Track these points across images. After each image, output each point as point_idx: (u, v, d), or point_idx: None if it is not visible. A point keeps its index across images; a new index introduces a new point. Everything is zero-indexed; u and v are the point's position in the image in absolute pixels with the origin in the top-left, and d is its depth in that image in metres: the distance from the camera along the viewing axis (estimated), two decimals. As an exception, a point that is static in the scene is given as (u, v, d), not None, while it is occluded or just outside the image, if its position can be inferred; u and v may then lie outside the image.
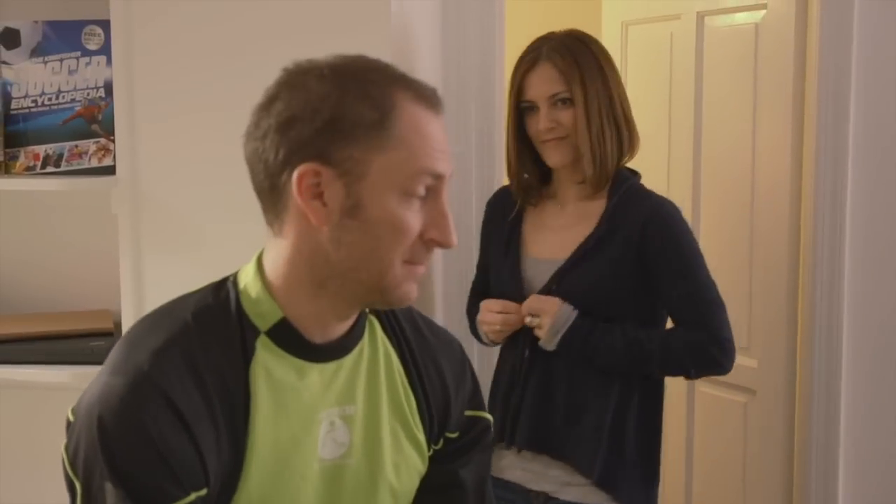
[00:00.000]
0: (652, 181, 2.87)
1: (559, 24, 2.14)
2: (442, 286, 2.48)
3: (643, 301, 2.04)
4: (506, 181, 2.29)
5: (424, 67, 2.34)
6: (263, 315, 1.27)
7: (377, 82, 1.22)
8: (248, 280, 1.29)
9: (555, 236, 2.12)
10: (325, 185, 1.20)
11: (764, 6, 2.54)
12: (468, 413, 1.46)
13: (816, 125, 2.41)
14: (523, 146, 2.12)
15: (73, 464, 1.22)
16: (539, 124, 2.04)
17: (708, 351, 2.02)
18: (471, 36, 2.44)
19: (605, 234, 2.04)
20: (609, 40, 3.03)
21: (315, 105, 1.20)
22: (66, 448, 1.24)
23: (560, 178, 2.13)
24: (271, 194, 1.23)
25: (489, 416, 1.51)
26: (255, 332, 1.26)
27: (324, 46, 2.09)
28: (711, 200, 2.72)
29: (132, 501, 1.16)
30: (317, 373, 1.28)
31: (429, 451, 1.41)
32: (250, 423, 1.23)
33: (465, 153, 2.46)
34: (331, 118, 1.19)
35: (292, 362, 1.27)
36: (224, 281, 1.32)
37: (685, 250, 2.03)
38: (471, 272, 2.36)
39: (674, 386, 2.84)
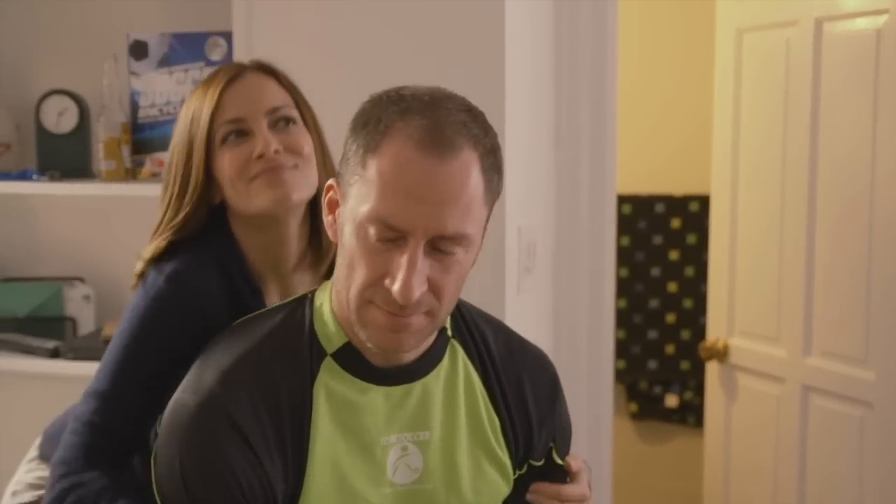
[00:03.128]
0: (765, 195, 2.84)
1: (673, 31, 2.10)
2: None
3: None
4: (620, 188, 2.25)
5: (538, 71, 2.36)
6: (330, 338, 1.29)
7: (394, 111, 1.20)
8: (323, 299, 1.32)
9: None
10: (338, 201, 1.26)
11: (886, 11, 2.48)
12: (551, 445, 1.43)
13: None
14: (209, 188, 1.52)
15: (158, 476, 1.28)
16: (256, 147, 1.45)
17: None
18: (583, 42, 2.44)
19: None
20: (722, 48, 3.00)
21: (352, 124, 1.25)
22: (153, 455, 1.30)
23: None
24: None
25: (561, 463, 1.43)
26: (322, 355, 1.29)
27: (440, 51, 2.14)
28: (828, 213, 2.66)
29: None
30: (382, 396, 1.29)
31: (514, 474, 1.39)
32: (310, 443, 1.25)
33: (576, 159, 2.46)
34: (348, 138, 1.24)
35: (355, 384, 1.28)
36: (304, 297, 1.35)
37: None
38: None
39: (788, 396, 2.79)
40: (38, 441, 1.64)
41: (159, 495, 1.26)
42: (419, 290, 1.18)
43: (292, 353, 1.28)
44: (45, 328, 2.46)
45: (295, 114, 1.50)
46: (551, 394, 1.43)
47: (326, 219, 1.28)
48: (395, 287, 1.17)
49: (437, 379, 1.32)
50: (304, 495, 1.26)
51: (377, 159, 1.18)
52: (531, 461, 1.41)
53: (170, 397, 1.31)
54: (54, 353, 2.38)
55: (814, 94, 2.67)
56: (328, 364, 1.28)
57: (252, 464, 1.22)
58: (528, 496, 1.42)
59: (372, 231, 1.18)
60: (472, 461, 1.34)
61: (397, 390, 1.30)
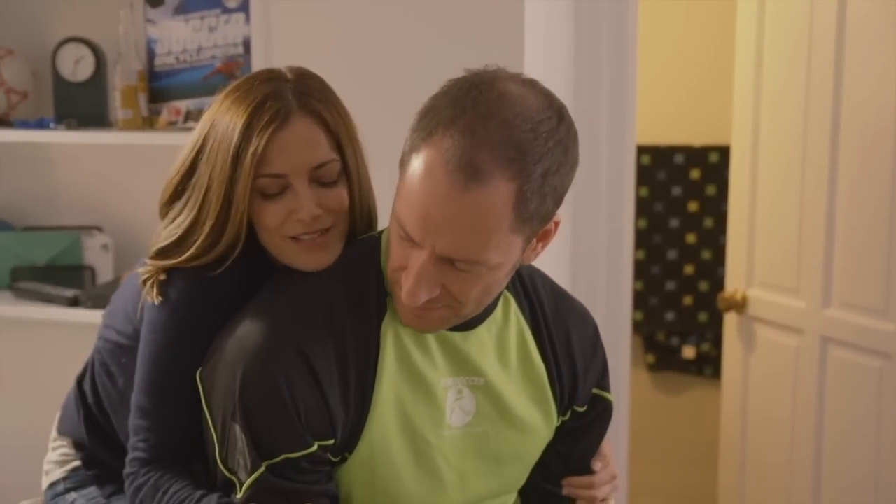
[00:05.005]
0: (786, 145, 2.81)
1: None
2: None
3: None
4: (639, 139, 2.21)
5: (556, 21, 2.33)
6: None
7: (445, 115, 1.18)
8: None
9: None
10: None
11: (912, -43, 2.43)
12: (594, 391, 1.48)
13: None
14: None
15: (207, 395, 1.30)
16: (301, 209, 1.36)
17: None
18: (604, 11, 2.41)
19: None
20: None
21: (422, 107, 1.23)
22: (202, 377, 1.31)
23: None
24: None
25: (611, 398, 1.51)
26: (387, 293, 1.31)
27: (457, 21, 2.11)
28: (850, 163, 2.62)
29: (254, 447, 1.24)
30: (438, 339, 1.32)
31: (557, 421, 1.43)
32: (376, 381, 1.28)
33: (595, 109, 2.44)
34: (416, 116, 1.22)
35: None
36: (373, 235, 1.37)
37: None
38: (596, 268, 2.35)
39: (806, 348, 2.78)
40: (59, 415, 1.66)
41: (209, 416, 1.28)
42: (424, 296, 1.21)
43: (364, 289, 1.31)
44: (65, 277, 2.48)
45: (337, 168, 1.38)
46: (594, 344, 1.48)
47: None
48: (403, 289, 1.21)
49: (489, 329, 1.35)
50: (366, 432, 1.28)
51: (414, 161, 1.18)
52: (575, 407, 1.45)
53: None
54: (73, 302, 2.40)
55: (838, 39, 2.62)
56: (391, 303, 1.31)
57: (315, 397, 1.24)
58: (563, 490, 1.48)
59: (397, 226, 1.21)
60: (520, 409, 1.38)
61: (455, 336, 1.32)
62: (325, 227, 1.37)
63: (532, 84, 1.23)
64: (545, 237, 1.28)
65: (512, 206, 1.16)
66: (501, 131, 1.15)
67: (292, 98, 1.35)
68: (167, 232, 1.41)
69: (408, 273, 1.21)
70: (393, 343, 1.29)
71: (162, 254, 1.40)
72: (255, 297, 1.34)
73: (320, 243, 1.37)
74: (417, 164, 1.17)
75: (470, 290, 1.22)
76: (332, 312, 1.28)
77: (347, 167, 1.38)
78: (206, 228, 1.37)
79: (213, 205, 1.36)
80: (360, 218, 1.41)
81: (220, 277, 1.37)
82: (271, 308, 1.30)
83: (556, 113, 1.21)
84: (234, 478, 1.26)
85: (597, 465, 1.49)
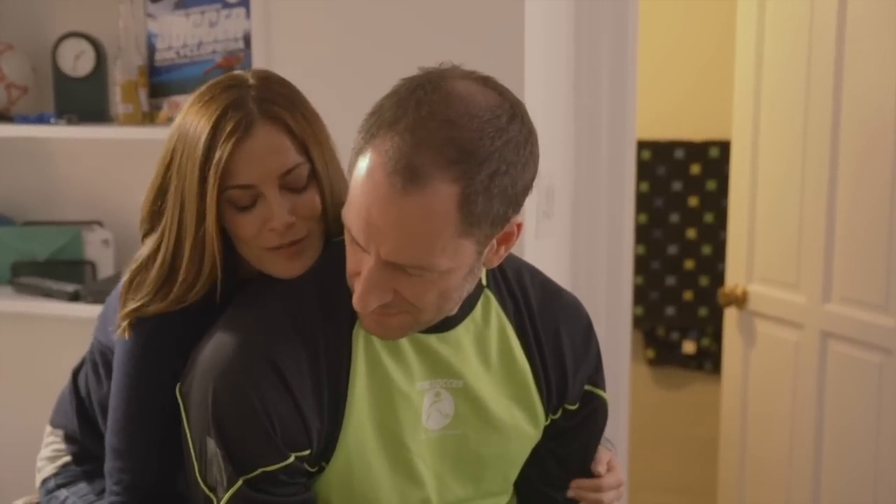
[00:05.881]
0: (786, 139, 2.81)
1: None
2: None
3: None
4: (639, 134, 2.20)
5: (557, 15, 2.33)
6: None
7: (388, 116, 1.14)
8: None
9: None
10: None
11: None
12: (587, 387, 1.45)
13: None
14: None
15: (186, 411, 1.29)
16: (273, 218, 1.32)
17: None
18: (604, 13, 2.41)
19: None
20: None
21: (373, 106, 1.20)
22: (181, 392, 1.30)
23: None
24: None
25: (605, 396, 1.47)
26: None
27: (457, 20, 2.11)
28: (850, 158, 2.62)
29: (229, 462, 1.23)
30: (413, 342, 1.29)
31: (546, 420, 1.40)
32: (350, 386, 1.26)
33: (596, 104, 2.44)
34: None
35: None
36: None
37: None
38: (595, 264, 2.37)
39: (806, 343, 2.78)
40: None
41: (189, 431, 1.28)
42: (374, 302, 1.18)
43: (335, 294, 1.28)
44: (65, 272, 2.48)
45: (306, 171, 1.34)
46: (586, 340, 1.44)
47: None
48: (354, 296, 1.19)
49: (467, 329, 1.33)
50: (342, 440, 1.26)
51: (358, 163, 1.15)
52: (566, 405, 1.42)
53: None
54: (74, 297, 2.40)
55: (839, 34, 2.62)
56: None
57: (289, 407, 1.23)
58: (569, 493, 1.45)
59: (350, 237, 1.19)
60: (502, 410, 1.35)
61: (430, 338, 1.30)
62: (300, 238, 1.34)
63: (485, 81, 1.19)
64: (506, 240, 1.23)
65: (456, 209, 1.12)
66: (443, 132, 1.11)
67: (253, 106, 1.32)
68: (152, 278, 1.38)
69: (360, 279, 1.18)
70: (364, 348, 1.27)
71: (150, 303, 1.37)
72: (230, 307, 1.32)
73: (295, 251, 1.34)
74: (361, 166, 1.14)
75: (424, 296, 1.19)
76: (303, 320, 1.26)
77: (316, 171, 1.35)
78: (187, 250, 1.34)
79: (189, 222, 1.34)
80: (335, 220, 1.36)
81: (180, 319, 1.36)
82: (242, 319, 1.28)
83: (508, 111, 1.16)
84: (213, 495, 1.25)
85: (598, 468, 1.45)
